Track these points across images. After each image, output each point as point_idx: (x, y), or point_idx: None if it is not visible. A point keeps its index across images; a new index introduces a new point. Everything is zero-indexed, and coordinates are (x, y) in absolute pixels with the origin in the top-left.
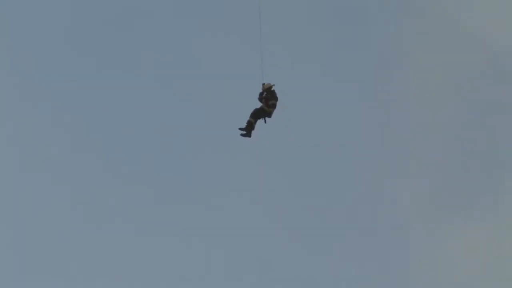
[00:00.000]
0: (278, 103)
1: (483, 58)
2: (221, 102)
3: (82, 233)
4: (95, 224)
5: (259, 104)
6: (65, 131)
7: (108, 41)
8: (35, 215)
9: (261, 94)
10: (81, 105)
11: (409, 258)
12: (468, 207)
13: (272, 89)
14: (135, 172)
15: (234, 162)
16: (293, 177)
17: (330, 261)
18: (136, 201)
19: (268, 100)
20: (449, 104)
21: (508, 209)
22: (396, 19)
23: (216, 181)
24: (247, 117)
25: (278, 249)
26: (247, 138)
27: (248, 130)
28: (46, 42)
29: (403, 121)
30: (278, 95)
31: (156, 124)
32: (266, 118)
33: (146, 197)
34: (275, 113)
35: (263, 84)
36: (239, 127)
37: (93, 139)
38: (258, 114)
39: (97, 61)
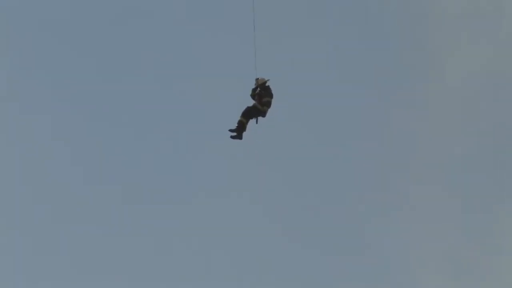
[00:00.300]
0: (273, 101)
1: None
2: (221, 102)
3: (82, 233)
4: (94, 224)
5: (252, 102)
6: (65, 131)
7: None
8: (30, 215)
9: (254, 90)
10: (81, 105)
11: (409, 258)
12: (469, 210)
13: (267, 84)
14: (135, 172)
15: (234, 162)
16: (293, 177)
17: (330, 261)
18: (136, 201)
19: (262, 97)
20: (450, 103)
21: None
22: (396, 19)
23: (216, 181)
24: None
25: (278, 249)
26: (237, 140)
27: (239, 131)
28: (46, 42)
29: (404, 120)
30: (273, 92)
31: (155, 124)
32: (259, 118)
33: (145, 196)
34: (271, 112)
35: (257, 79)
36: (230, 128)
37: (92, 139)
38: (250, 113)
39: (94, 61)
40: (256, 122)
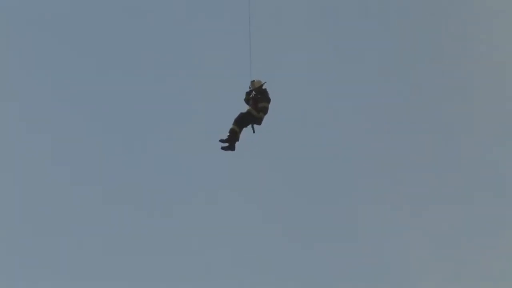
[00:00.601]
0: (270, 106)
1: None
2: (221, 102)
3: (81, 233)
4: (93, 224)
5: (246, 107)
6: (65, 130)
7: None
8: (30, 215)
9: (248, 93)
10: (81, 105)
11: (409, 258)
12: (469, 210)
13: (264, 87)
14: (135, 172)
15: (234, 162)
16: (293, 177)
17: (330, 261)
18: (135, 201)
19: (258, 102)
20: (450, 103)
21: None
22: (396, 19)
23: (216, 181)
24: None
25: (278, 249)
26: (229, 152)
27: (231, 141)
28: (46, 41)
29: (404, 120)
30: (270, 96)
31: (155, 123)
32: (255, 126)
33: (145, 196)
34: (269, 114)
35: (252, 81)
36: (220, 138)
37: (92, 139)
38: (244, 120)
39: (94, 60)
40: (253, 131)
